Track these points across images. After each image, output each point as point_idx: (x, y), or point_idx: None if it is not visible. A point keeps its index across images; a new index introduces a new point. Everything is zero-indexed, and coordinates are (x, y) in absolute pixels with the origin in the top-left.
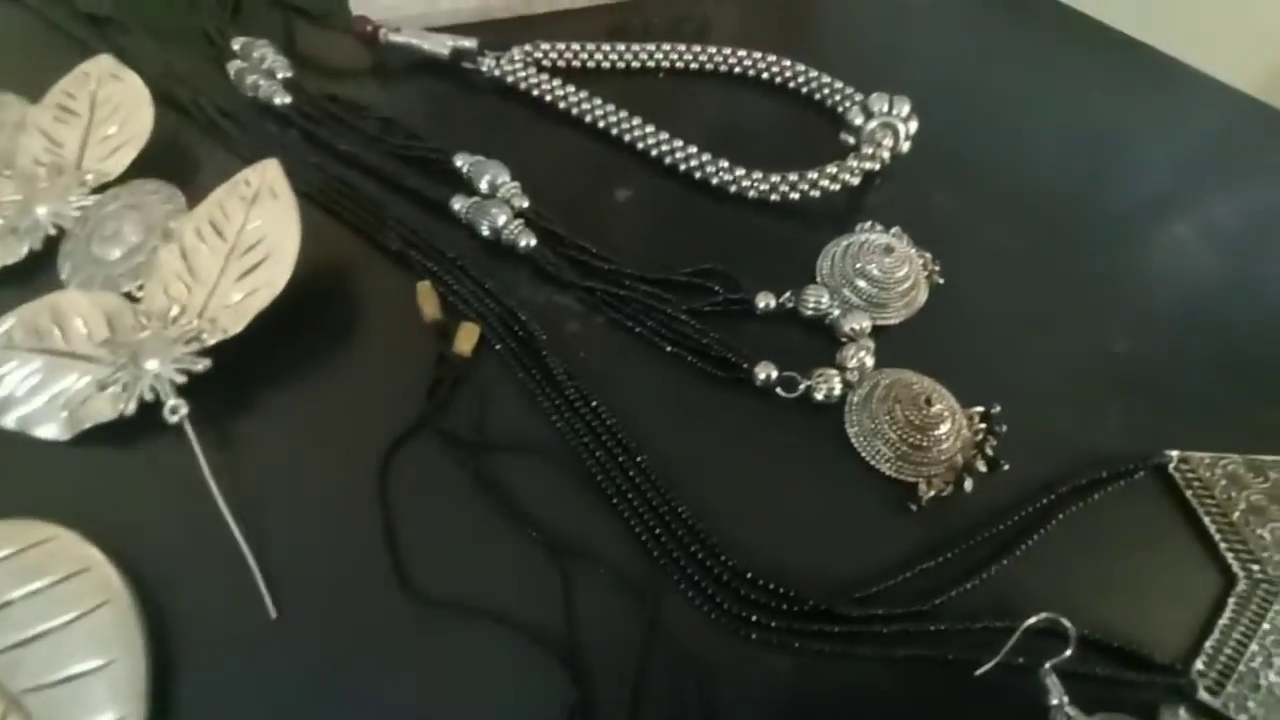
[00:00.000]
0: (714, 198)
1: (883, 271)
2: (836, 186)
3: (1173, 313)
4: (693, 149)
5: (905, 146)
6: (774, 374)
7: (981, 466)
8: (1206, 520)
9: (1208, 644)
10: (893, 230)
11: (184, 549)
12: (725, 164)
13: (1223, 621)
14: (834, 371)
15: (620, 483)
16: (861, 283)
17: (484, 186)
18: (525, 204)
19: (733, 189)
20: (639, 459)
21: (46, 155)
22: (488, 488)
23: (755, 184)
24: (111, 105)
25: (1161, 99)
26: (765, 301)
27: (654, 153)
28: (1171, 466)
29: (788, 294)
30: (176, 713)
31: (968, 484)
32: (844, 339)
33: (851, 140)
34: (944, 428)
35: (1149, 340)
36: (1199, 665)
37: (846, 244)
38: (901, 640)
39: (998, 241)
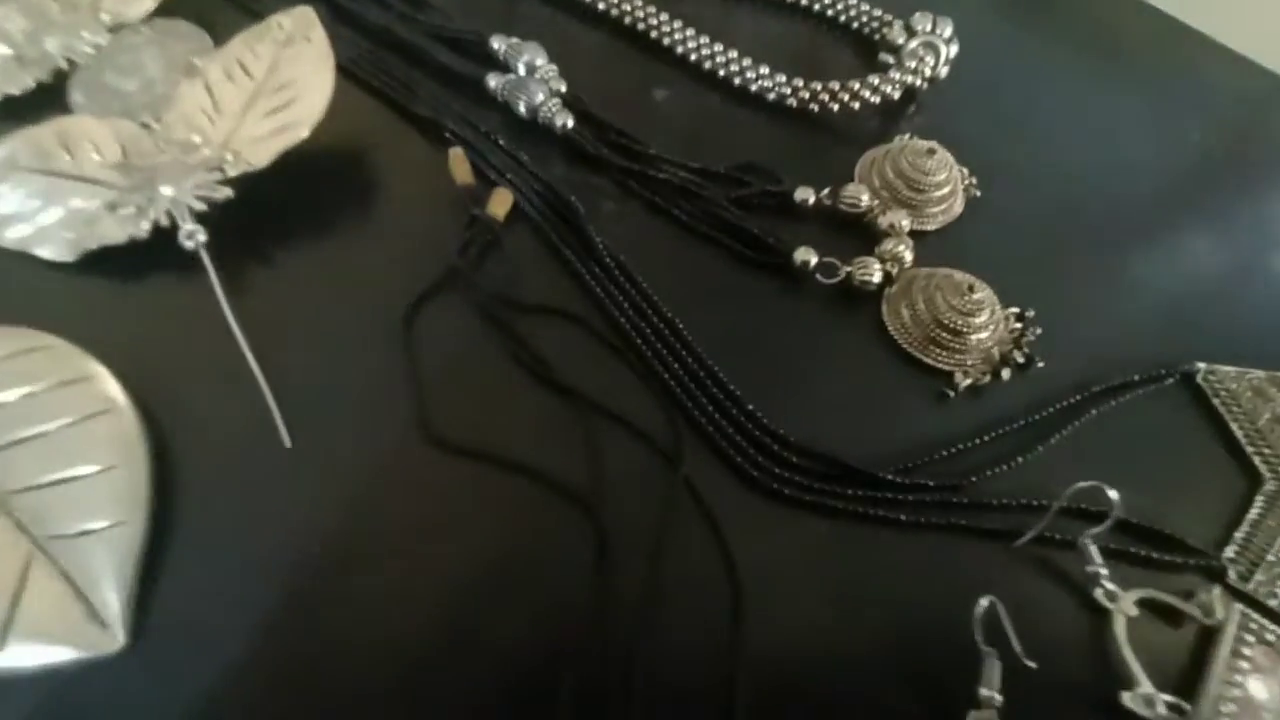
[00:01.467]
0: (753, 105)
1: (923, 173)
2: (876, 99)
3: (1206, 239)
4: (733, 54)
5: (944, 71)
6: (813, 259)
7: (1019, 358)
8: (1234, 426)
9: (1238, 535)
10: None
11: (194, 374)
12: (765, 69)
13: (1251, 516)
14: (874, 260)
15: (654, 345)
16: (900, 184)
17: (521, 68)
18: (563, 87)
19: (771, 95)
20: (679, 326)
21: None
22: (518, 345)
23: (796, 90)
24: None
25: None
26: (804, 196)
27: (693, 57)
28: (1199, 377)
29: (826, 190)
30: (179, 525)
31: (1005, 373)
32: (883, 234)
33: (891, 60)
34: (983, 316)
35: (1179, 262)
36: (1229, 553)
37: (887, 148)
38: (940, 509)
39: (1033, 168)
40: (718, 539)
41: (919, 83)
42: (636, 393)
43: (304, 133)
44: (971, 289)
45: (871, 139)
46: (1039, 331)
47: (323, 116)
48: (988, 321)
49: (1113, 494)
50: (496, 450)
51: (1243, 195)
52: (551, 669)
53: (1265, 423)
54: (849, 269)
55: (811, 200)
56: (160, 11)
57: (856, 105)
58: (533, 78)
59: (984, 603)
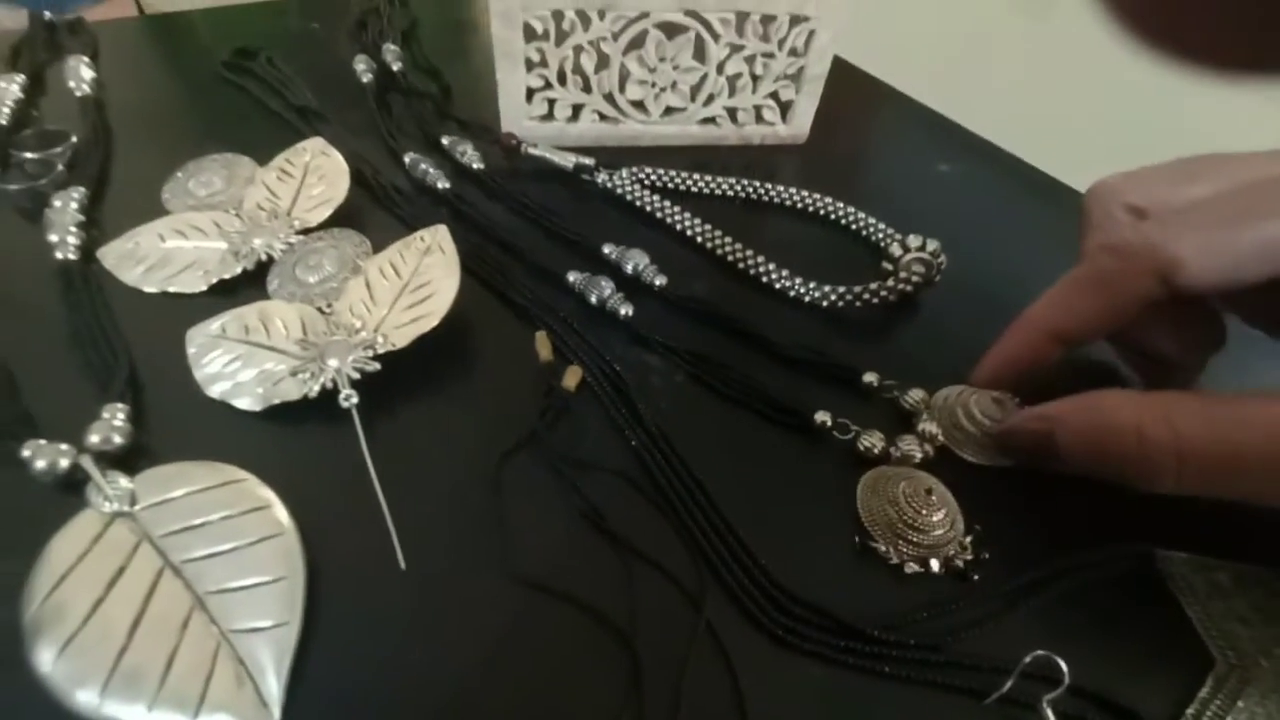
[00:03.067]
0: (775, 299)
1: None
2: (876, 300)
3: None
4: (760, 257)
5: (937, 278)
6: (829, 419)
7: (959, 564)
8: (1188, 611)
9: (1188, 712)
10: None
11: (339, 506)
12: (786, 272)
13: (1202, 694)
14: (880, 435)
15: (687, 503)
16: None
17: (629, 268)
18: (664, 281)
19: (791, 294)
20: (707, 487)
21: (266, 203)
22: (579, 496)
23: (810, 291)
24: (319, 173)
25: None
26: (870, 379)
27: (729, 258)
28: (1157, 562)
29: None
30: (321, 626)
31: (934, 564)
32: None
33: (890, 268)
34: (938, 517)
35: None
36: None
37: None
38: (919, 666)
39: None
40: (730, 672)
41: (911, 289)
42: (671, 543)
43: (435, 322)
44: (930, 492)
45: (875, 331)
46: (986, 556)
47: (450, 309)
48: (942, 521)
49: (1063, 664)
50: (555, 585)
51: None
52: None
53: (1218, 610)
54: (858, 430)
55: (876, 383)
56: (335, 220)
57: (860, 305)
58: (602, 277)
59: None
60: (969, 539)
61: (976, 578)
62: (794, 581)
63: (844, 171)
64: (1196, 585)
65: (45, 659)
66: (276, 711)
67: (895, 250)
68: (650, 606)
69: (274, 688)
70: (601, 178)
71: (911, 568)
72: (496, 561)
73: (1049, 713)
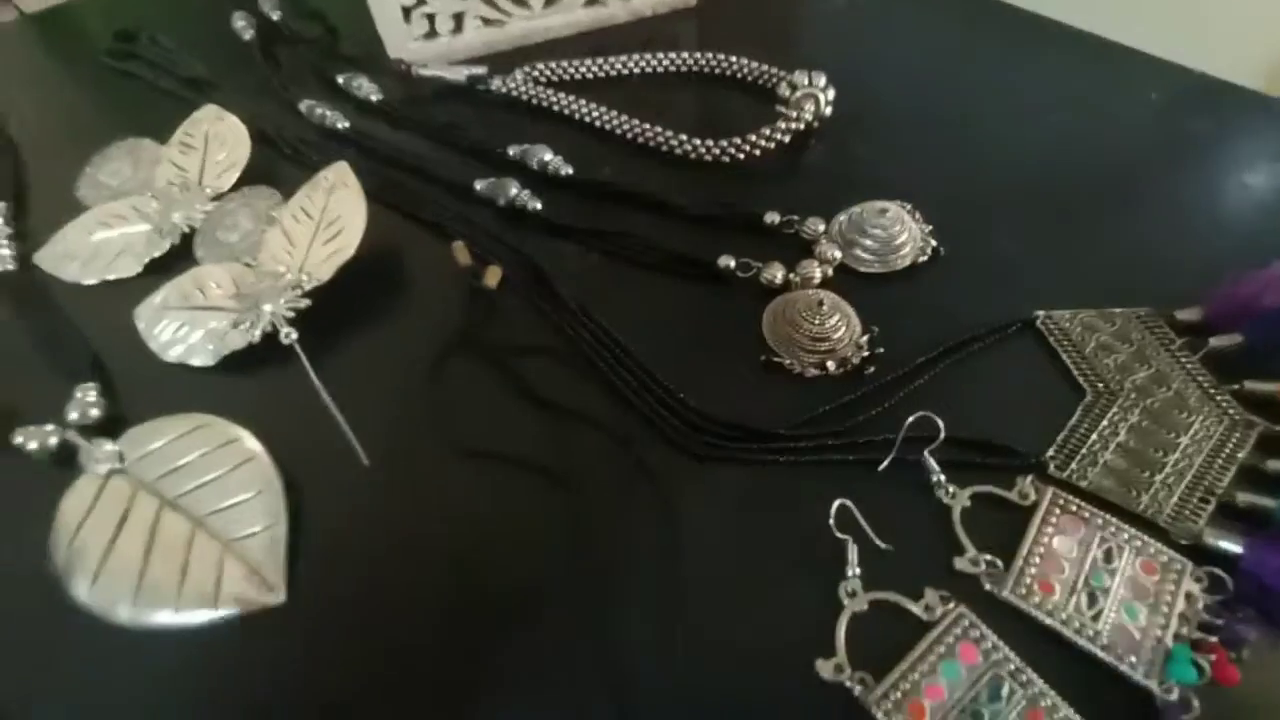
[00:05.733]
0: (678, 165)
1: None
2: (773, 145)
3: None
4: (658, 128)
5: (827, 111)
6: (733, 262)
7: (855, 360)
8: (1064, 357)
9: (1059, 438)
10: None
11: (301, 430)
12: (684, 137)
13: (1070, 422)
14: (781, 266)
15: (611, 364)
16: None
17: (535, 165)
18: (570, 170)
19: (692, 156)
20: (623, 343)
21: (176, 178)
22: (512, 377)
23: (710, 149)
24: (220, 140)
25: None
26: (771, 218)
27: (629, 135)
28: (1039, 322)
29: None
30: (306, 524)
31: (831, 365)
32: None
33: (781, 109)
34: (831, 321)
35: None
36: (1050, 452)
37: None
38: (821, 451)
39: (916, 180)
40: (662, 496)
41: (802, 127)
42: (601, 402)
43: (352, 252)
44: (821, 304)
45: (776, 177)
46: (880, 351)
47: (362, 237)
48: (836, 326)
49: (939, 421)
50: (503, 451)
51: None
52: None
53: (1090, 350)
54: (759, 266)
55: (778, 220)
56: (246, 180)
57: (758, 153)
58: (508, 179)
59: (836, 504)
60: (865, 339)
61: (872, 369)
62: (712, 406)
63: (741, 26)
64: (1072, 333)
65: (81, 591)
66: (282, 591)
67: (784, 90)
68: (588, 460)
69: (275, 575)
70: (496, 84)
71: (811, 372)
72: (449, 442)
73: (931, 461)
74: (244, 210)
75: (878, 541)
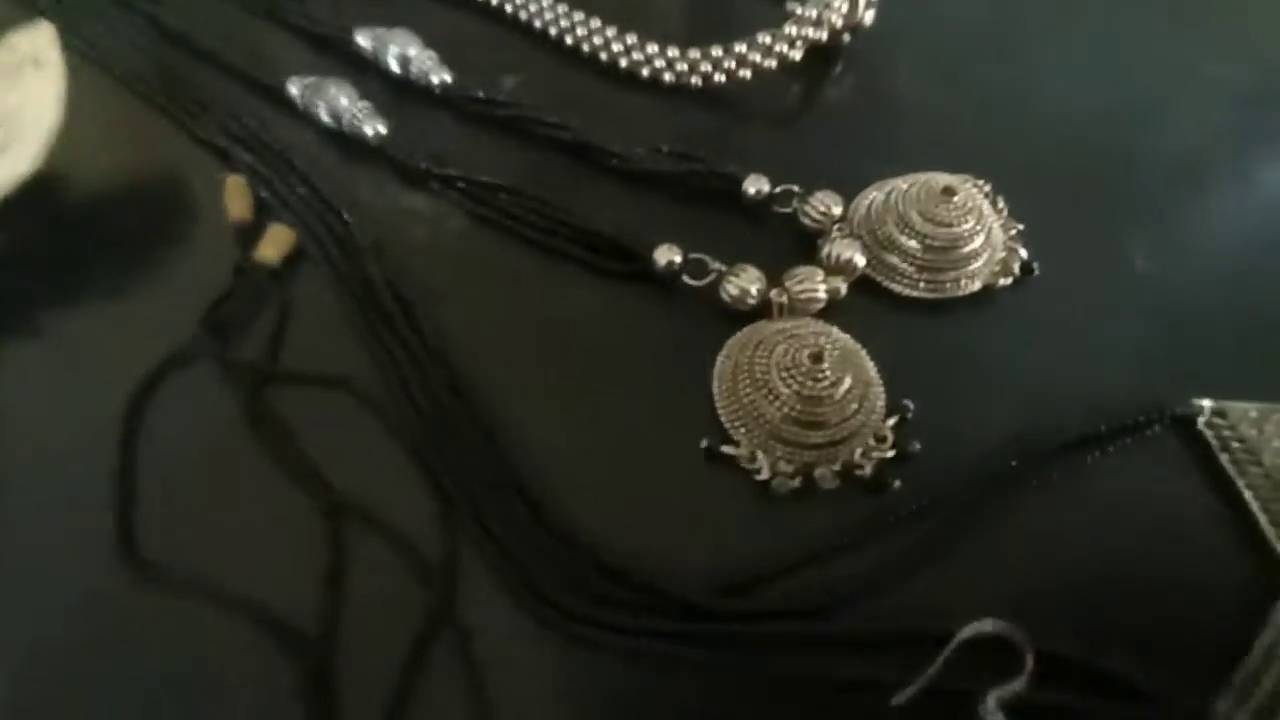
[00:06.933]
0: (620, 84)
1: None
2: (769, 64)
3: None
4: (595, 23)
5: (868, 16)
6: (678, 258)
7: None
8: (1242, 488)
9: (1236, 677)
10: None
11: None
12: (633, 40)
13: (1267, 640)
14: (759, 274)
15: (440, 429)
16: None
17: (393, 63)
18: (446, 78)
19: (644, 72)
20: (470, 393)
21: None
22: (265, 427)
23: (671, 63)
24: None
25: None
26: (757, 186)
27: (551, 31)
28: (1201, 420)
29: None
30: None
31: (824, 475)
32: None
33: (797, 7)
34: (841, 389)
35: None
36: (1225, 704)
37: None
38: (788, 648)
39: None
40: (481, 700)
41: (825, 37)
42: (407, 488)
43: (15, 180)
44: (818, 358)
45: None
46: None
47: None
48: (844, 402)
49: (1023, 638)
50: (212, 577)
51: None
52: None
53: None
54: (720, 270)
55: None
56: None
57: (747, 75)
58: (335, 80)
59: None
60: (891, 423)
61: (897, 485)
62: (603, 528)
63: None
64: (1258, 445)
65: None
66: None
67: None
68: (358, 611)
69: None
70: None
71: (788, 484)
72: (119, 554)
73: (996, 714)
74: None
75: None
